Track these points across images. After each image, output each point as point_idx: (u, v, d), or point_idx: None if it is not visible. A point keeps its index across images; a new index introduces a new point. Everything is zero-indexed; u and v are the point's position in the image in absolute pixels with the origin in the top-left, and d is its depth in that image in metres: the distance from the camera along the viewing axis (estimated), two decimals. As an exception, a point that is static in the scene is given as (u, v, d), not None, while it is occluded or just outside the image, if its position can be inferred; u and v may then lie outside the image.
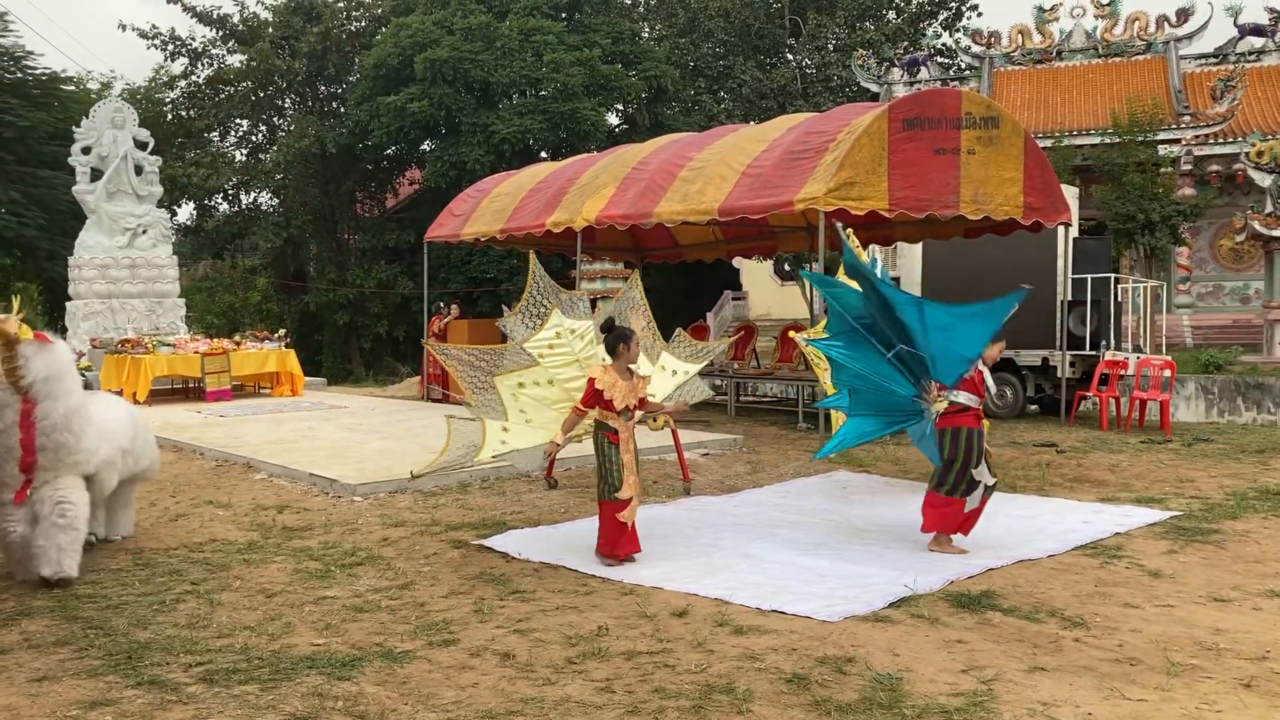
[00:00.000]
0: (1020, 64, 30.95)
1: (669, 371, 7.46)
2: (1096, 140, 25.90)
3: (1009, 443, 11.24)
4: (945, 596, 5.54)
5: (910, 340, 6.49)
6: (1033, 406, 14.35)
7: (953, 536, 6.69)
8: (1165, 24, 29.88)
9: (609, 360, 6.52)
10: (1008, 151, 11.94)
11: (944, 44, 35.94)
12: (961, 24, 37.45)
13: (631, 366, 6.52)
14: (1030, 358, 13.94)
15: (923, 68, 31.52)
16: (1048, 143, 24.09)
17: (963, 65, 32.87)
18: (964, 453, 6.59)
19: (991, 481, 6.71)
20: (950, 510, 6.70)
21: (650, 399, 6.68)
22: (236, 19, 32.16)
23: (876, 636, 4.88)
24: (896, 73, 31.42)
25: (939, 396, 6.59)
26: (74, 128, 19.77)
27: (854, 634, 4.91)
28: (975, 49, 31.87)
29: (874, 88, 31.32)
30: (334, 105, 32.19)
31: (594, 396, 6.35)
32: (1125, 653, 4.69)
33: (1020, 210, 12.12)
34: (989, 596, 5.52)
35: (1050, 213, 12.52)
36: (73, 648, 4.85)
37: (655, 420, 8.01)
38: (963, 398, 6.61)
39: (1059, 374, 13.60)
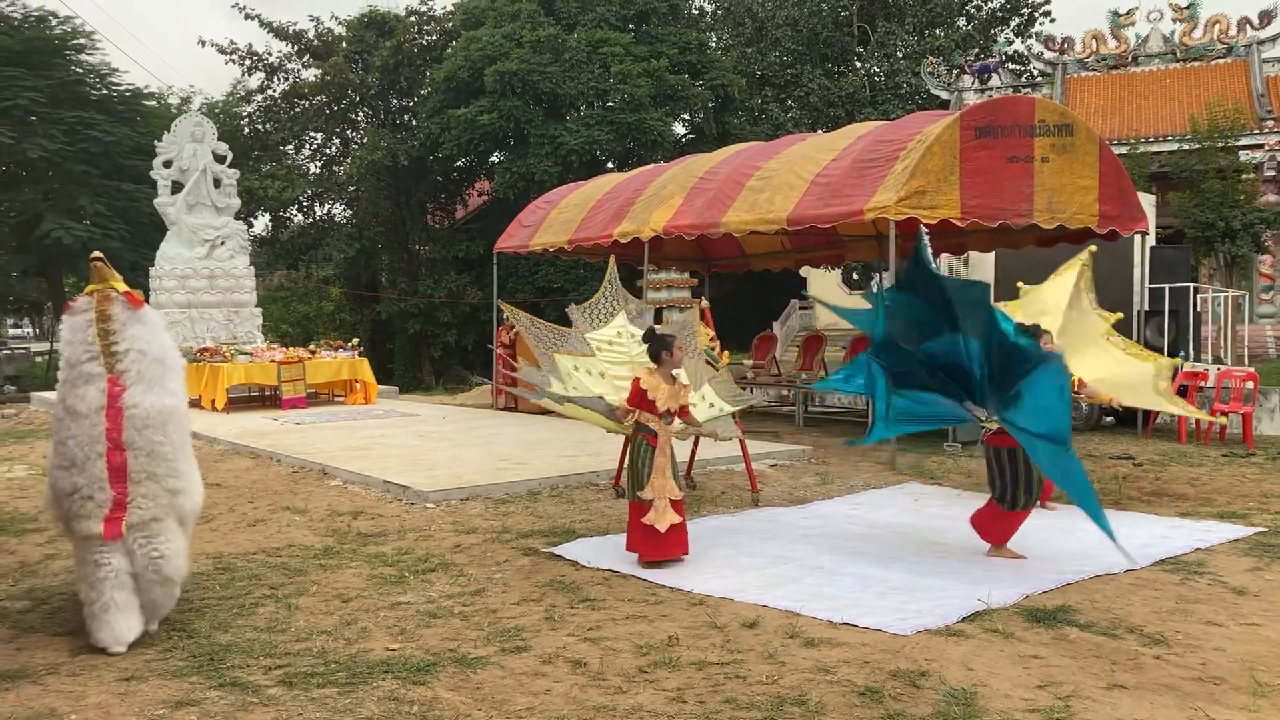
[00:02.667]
0: (1094, 70, 30.39)
1: (706, 403, 7.57)
2: (1174, 146, 25.32)
3: (1084, 455, 11.03)
4: (1020, 611, 5.47)
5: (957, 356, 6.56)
6: (1108, 418, 14.06)
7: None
8: (1247, 26, 29.11)
9: (653, 365, 6.71)
10: (1082, 159, 11.75)
11: (1016, 50, 35.43)
12: (1034, 30, 36.90)
13: (675, 373, 6.70)
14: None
15: (994, 75, 31.07)
16: (1123, 150, 23.63)
17: (1035, 72, 32.37)
18: (1007, 468, 6.66)
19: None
20: (1004, 521, 6.71)
21: (692, 410, 6.87)
22: (311, 34, 32.78)
23: (950, 650, 4.83)
24: (967, 80, 31.02)
25: (989, 417, 6.70)
26: (155, 142, 20.28)
27: (927, 648, 4.86)
28: (1048, 55, 31.34)
29: (944, 95, 30.97)
30: (405, 118, 32.63)
31: (638, 396, 6.56)
32: (1209, 672, 4.59)
33: (1095, 219, 11.91)
34: (1065, 611, 5.43)
35: (1126, 221, 12.29)
36: (158, 649, 4.98)
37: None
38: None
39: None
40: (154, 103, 31.24)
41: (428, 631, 5.25)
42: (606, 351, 7.23)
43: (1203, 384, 13.16)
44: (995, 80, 30.94)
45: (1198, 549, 6.92)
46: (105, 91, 27.89)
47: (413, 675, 4.57)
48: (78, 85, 26.69)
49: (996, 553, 6.73)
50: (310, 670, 4.65)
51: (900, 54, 34.00)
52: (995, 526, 6.79)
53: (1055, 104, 12.55)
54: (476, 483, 8.90)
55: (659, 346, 6.65)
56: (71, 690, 4.41)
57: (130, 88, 29.07)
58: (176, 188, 19.54)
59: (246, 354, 16.53)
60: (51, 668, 4.64)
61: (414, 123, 31.39)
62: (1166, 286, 13.72)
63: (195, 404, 16.18)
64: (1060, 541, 6.78)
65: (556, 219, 15.78)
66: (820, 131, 18.36)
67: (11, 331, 57.83)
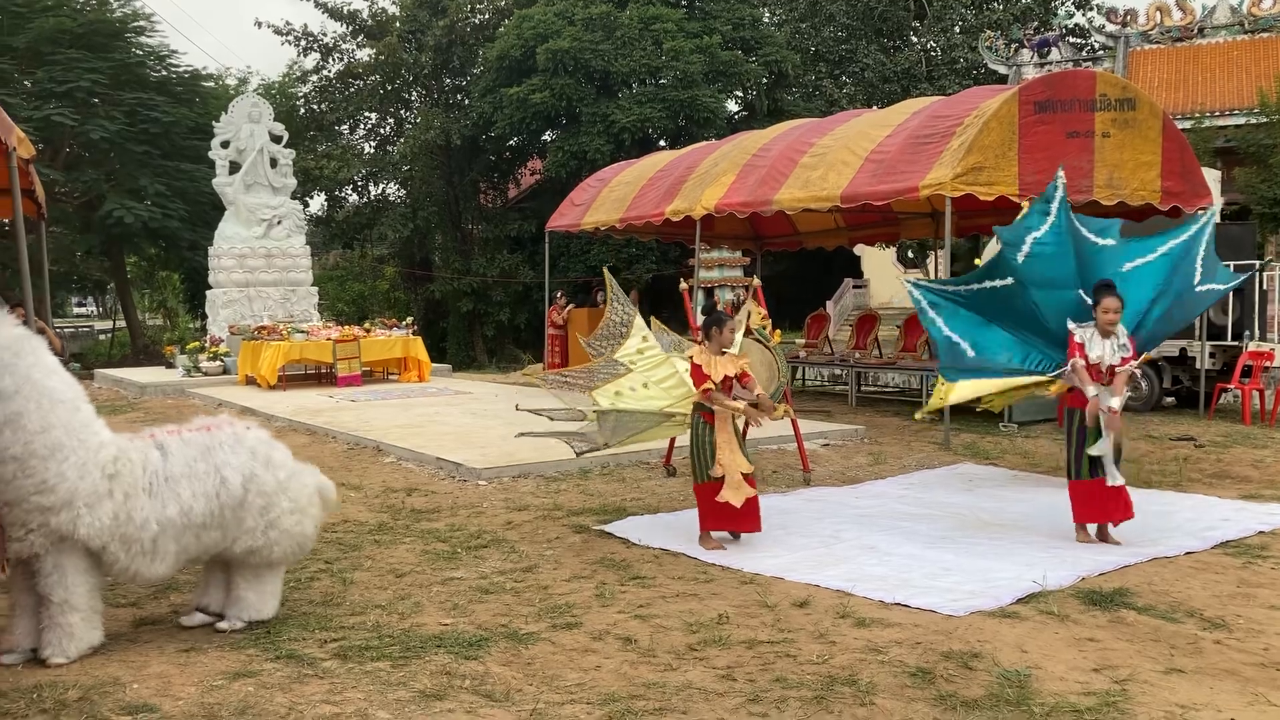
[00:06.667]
0: (1158, 42, 29.69)
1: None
2: (1241, 121, 24.70)
3: (1144, 436, 10.85)
4: (1076, 593, 5.39)
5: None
6: (1169, 399, 13.81)
7: (1091, 527, 6.58)
8: (1319, -4, 28.29)
9: (706, 343, 6.72)
10: (1145, 134, 11.50)
11: (1076, 24, 34.71)
12: (1095, 2, 36.14)
13: (725, 349, 6.68)
14: (1167, 348, 13.40)
15: (1054, 48, 30.49)
16: (1187, 124, 23.11)
17: (1096, 45, 31.69)
18: (1074, 433, 6.60)
19: (1100, 453, 6.51)
20: (1080, 494, 6.58)
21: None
22: (365, 14, 33.02)
23: (1004, 632, 4.78)
24: (1026, 54, 30.47)
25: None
26: (213, 122, 20.56)
27: (980, 629, 4.81)
28: (1110, 28, 30.67)
29: (1002, 70, 30.46)
30: (459, 97, 32.74)
31: (700, 376, 6.53)
32: (1271, 657, 4.49)
33: (1158, 195, 11.66)
34: (1122, 594, 5.34)
35: (1190, 197, 12.01)
36: (217, 621, 5.07)
37: (774, 410, 8.01)
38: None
39: (1198, 365, 13.05)
40: (212, 84, 31.63)
41: (480, 607, 5.29)
42: (640, 361, 7.18)
43: (1268, 364, 12.85)
44: (1055, 54, 30.36)
45: (1261, 532, 6.77)
46: (164, 73, 28.29)
47: (465, 650, 4.62)
48: (138, 67, 27.09)
49: (1081, 535, 6.59)
50: (365, 644, 4.71)
51: (957, 28, 33.51)
52: (1074, 502, 6.67)
53: (1117, 78, 12.28)
54: (528, 460, 8.95)
55: (709, 324, 6.68)
56: (133, 660, 4.51)
57: (189, 69, 29.50)
58: (234, 168, 19.80)
59: (303, 332, 16.75)
60: (114, 637, 4.74)
61: (467, 102, 31.50)
62: (1231, 264, 13.38)
63: (252, 381, 16.45)
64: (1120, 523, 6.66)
65: (608, 197, 15.75)
66: (875, 107, 18.13)
67: (76, 309, 59.13)
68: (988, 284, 7.31)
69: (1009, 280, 7.19)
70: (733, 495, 6.42)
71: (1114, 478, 6.46)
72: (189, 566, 5.02)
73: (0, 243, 25.10)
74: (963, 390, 7.45)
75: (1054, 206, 7.16)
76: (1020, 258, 7.09)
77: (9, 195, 7.02)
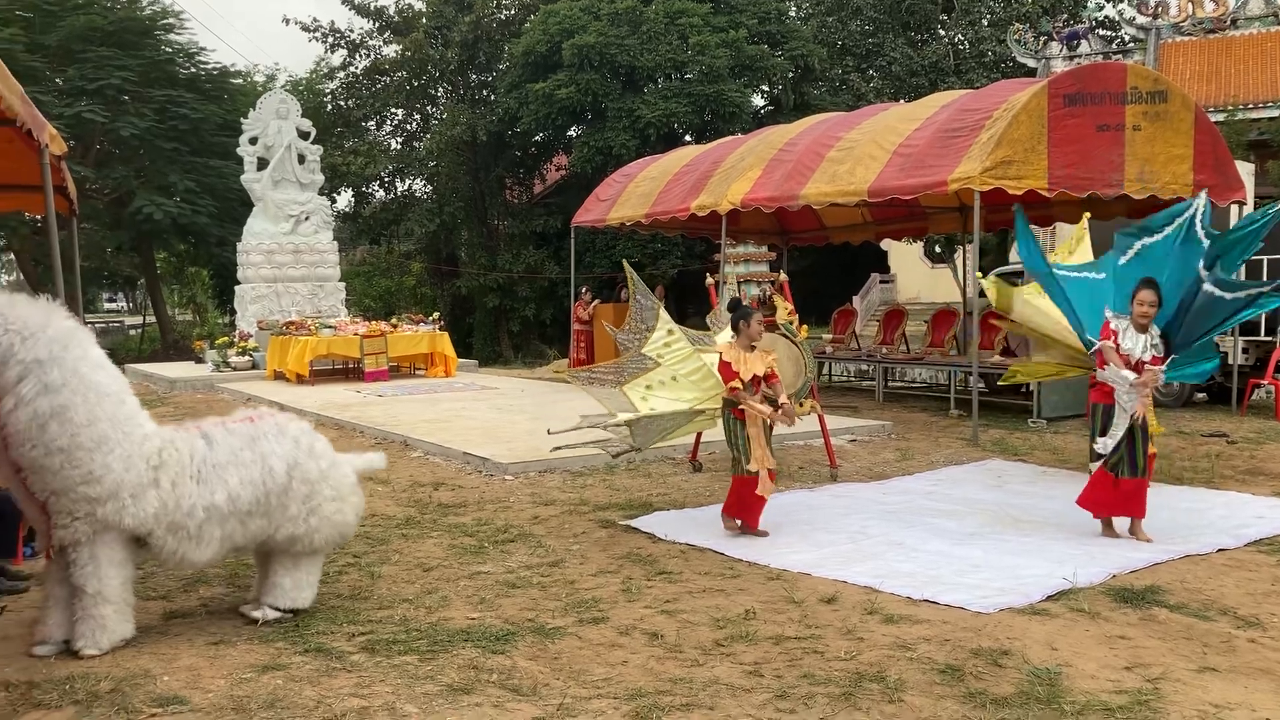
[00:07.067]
0: (1190, 34, 29.33)
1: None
2: (1275, 113, 24.39)
3: (1175, 432, 10.74)
4: (1107, 591, 5.34)
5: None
6: (1200, 395, 13.67)
7: (1121, 523, 6.54)
8: (1354, -13, 27.86)
9: (734, 337, 6.75)
10: (1176, 127, 11.36)
11: (1106, 16, 34.35)
12: (1126, -6, 35.74)
13: (755, 344, 6.69)
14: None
15: (1083, 41, 30.16)
16: (1220, 116, 22.82)
17: (1126, 38, 31.35)
18: (1097, 427, 6.59)
19: (1105, 449, 6.43)
20: (1093, 481, 6.56)
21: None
22: (392, 10, 33.11)
23: (1034, 629, 4.74)
24: (1055, 47, 30.17)
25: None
26: (241, 119, 20.69)
27: (1010, 626, 4.78)
28: (1140, 20, 30.32)
29: (1031, 63, 30.18)
30: (484, 93, 32.76)
31: (729, 372, 6.57)
32: (1306, 656, 4.44)
33: (1189, 189, 11.51)
34: (1154, 592, 5.29)
35: (1223, 191, 11.86)
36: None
37: (801, 405, 7.99)
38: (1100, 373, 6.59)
39: (1230, 360, 12.90)
40: (240, 81, 31.85)
41: (507, 601, 5.30)
42: (667, 355, 7.18)
43: (1302, 360, 12.68)
44: (1084, 47, 30.06)
45: (1295, 530, 6.69)
46: (193, 70, 28.49)
47: (492, 644, 4.63)
48: (167, 64, 27.30)
49: (1107, 530, 6.55)
50: (392, 637, 4.73)
51: (985, 21, 33.25)
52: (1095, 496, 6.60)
53: (1148, 70, 12.15)
54: (554, 455, 8.93)
55: (737, 318, 6.69)
56: (164, 653, 4.54)
57: (217, 66, 29.71)
58: (262, 164, 19.91)
59: (330, 327, 16.84)
60: (144, 630, 4.78)
61: (493, 98, 31.53)
62: (1265, 259, 13.22)
63: (280, 376, 16.55)
64: (1150, 520, 6.59)
65: (634, 192, 15.74)
66: (902, 101, 18.01)
67: (107, 305, 59.70)
68: (1088, 274, 7.58)
69: (1102, 275, 7.42)
70: (765, 490, 6.53)
71: (1103, 446, 6.46)
72: (219, 562, 5.05)
73: (33, 239, 25.40)
74: (1001, 291, 8.31)
75: (1177, 220, 7.14)
76: (1123, 260, 7.28)
77: (41, 192, 7.08)
